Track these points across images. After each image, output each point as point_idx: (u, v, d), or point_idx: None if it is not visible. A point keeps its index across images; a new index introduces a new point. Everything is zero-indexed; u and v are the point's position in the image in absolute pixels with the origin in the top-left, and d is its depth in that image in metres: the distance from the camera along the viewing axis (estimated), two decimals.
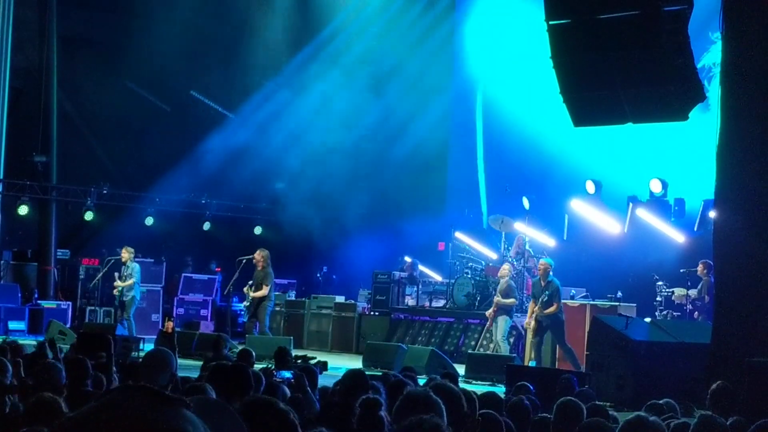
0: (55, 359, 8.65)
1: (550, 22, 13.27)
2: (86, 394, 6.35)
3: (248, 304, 20.00)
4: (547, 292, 17.80)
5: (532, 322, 18.00)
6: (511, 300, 19.10)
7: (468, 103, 26.44)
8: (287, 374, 9.21)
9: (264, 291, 19.65)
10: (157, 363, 6.14)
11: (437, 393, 4.60)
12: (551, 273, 18.08)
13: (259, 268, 19.87)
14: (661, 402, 8.53)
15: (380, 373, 10.34)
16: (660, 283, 19.79)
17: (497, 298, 18.92)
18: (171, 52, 26.40)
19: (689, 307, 18.94)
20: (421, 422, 3.23)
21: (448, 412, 4.53)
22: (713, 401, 8.96)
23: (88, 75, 26.69)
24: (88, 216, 25.75)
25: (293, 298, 24.80)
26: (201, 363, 12.28)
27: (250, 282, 19.98)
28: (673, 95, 12.62)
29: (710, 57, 19.23)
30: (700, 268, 18.79)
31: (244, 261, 20.56)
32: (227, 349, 14.98)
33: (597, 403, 8.18)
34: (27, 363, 8.12)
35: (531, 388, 10.36)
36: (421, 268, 24.26)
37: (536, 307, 17.94)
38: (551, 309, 17.79)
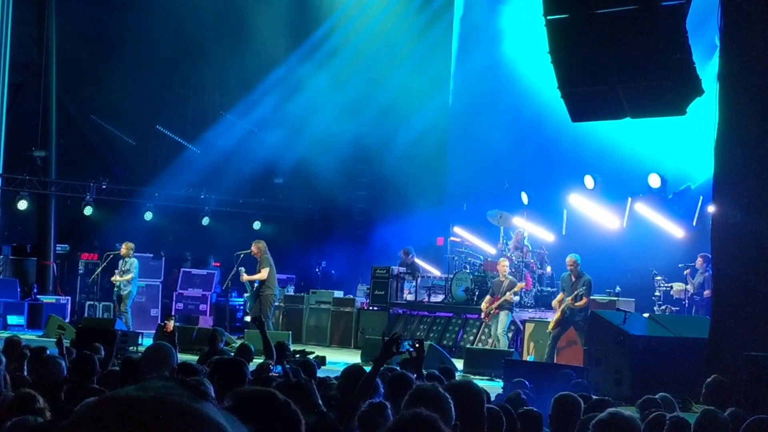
0: (60, 355, 8.67)
1: (549, 17, 13.28)
2: (91, 391, 6.36)
3: (249, 294, 20.00)
4: (582, 289, 17.67)
5: (558, 315, 17.87)
6: (516, 296, 19.12)
7: (467, 97, 26.43)
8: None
9: (262, 274, 19.61)
10: (158, 358, 6.15)
11: (454, 390, 4.60)
12: (580, 267, 17.96)
13: (258, 259, 19.88)
14: (656, 396, 8.54)
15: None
16: (659, 278, 19.81)
17: (509, 294, 18.77)
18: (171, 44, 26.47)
19: (687, 302, 18.97)
20: (418, 415, 3.24)
21: (462, 408, 4.53)
22: (708, 395, 8.98)
23: (86, 70, 26.68)
24: (88, 211, 25.74)
25: (292, 293, 24.81)
26: (197, 357, 12.34)
27: (242, 269, 19.95)
28: (671, 90, 12.64)
29: None
30: (698, 261, 18.81)
31: (242, 255, 20.56)
32: (224, 343, 15.01)
33: (595, 396, 8.19)
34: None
35: (527, 383, 10.39)
36: (417, 261, 24.24)
37: (568, 299, 17.76)
38: (581, 303, 17.69)
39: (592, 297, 18.83)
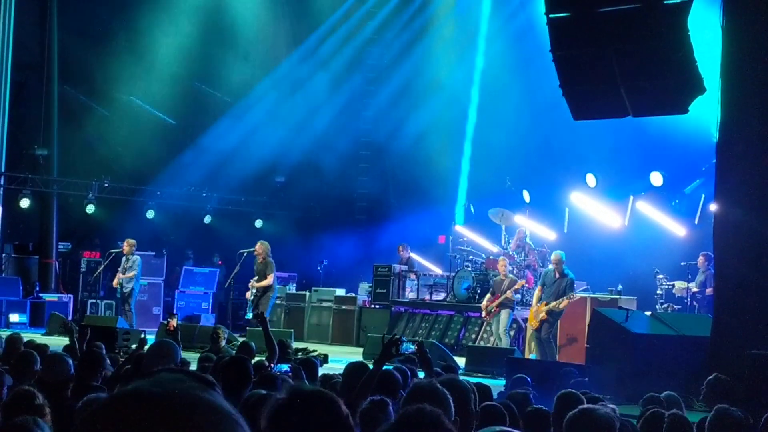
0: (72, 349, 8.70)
1: (550, 16, 13.29)
2: (95, 389, 6.39)
3: (252, 297, 19.99)
4: (570, 294, 17.65)
5: (542, 315, 17.75)
6: (517, 294, 19.13)
7: (469, 95, 26.42)
8: (285, 367, 9.25)
9: (269, 280, 19.66)
10: (162, 354, 6.20)
11: (446, 387, 4.61)
12: (565, 265, 17.94)
13: (260, 261, 19.87)
14: (662, 395, 8.54)
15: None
16: (661, 276, 19.80)
17: (509, 293, 18.78)
18: (174, 42, 26.48)
19: (689, 300, 18.98)
20: (422, 411, 3.24)
21: (456, 405, 4.54)
22: (709, 393, 8.99)
23: (90, 67, 26.68)
24: (90, 209, 25.78)
25: (294, 291, 24.83)
26: (199, 355, 12.37)
27: (256, 278, 19.94)
28: (673, 88, 12.65)
29: None
30: (700, 260, 18.81)
31: (245, 254, 20.58)
32: (226, 341, 15.03)
33: (589, 392, 8.21)
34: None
35: (528, 380, 10.39)
36: (413, 255, 24.24)
37: (552, 303, 17.67)
38: (565, 303, 17.66)
39: (593, 295, 18.85)
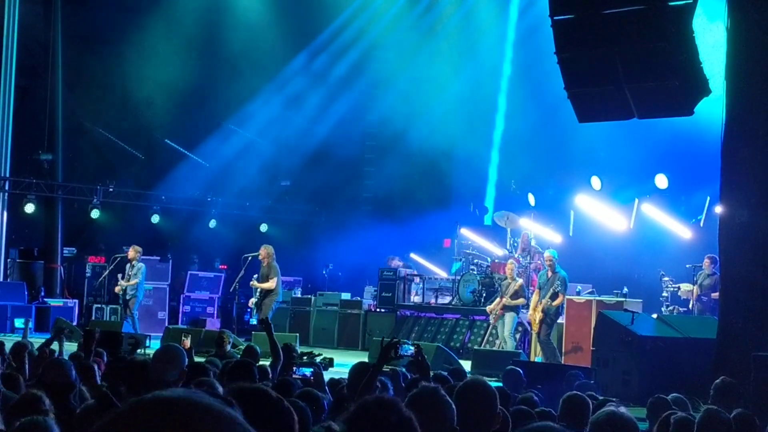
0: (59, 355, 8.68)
1: (555, 18, 13.27)
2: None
3: (256, 300, 19.98)
4: (557, 284, 17.86)
5: (539, 315, 17.99)
6: (521, 300, 19.08)
7: (474, 98, 26.38)
8: (307, 371, 9.24)
9: (271, 284, 19.65)
10: (168, 359, 6.19)
11: (473, 391, 4.59)
12: (558, 264, 18.15)
13: (264, 264, 19.87)
14: (669, 397, 8.51)
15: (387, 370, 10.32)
16: (666, 278, 19.76)
17: (506, 299, 18.81)
18: (173, 51, 26.46)
19: (695, 303, 18.92)
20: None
21: (480, 410, 4.50)
22: (716, 396, 8.95)
23: (93, 73, 26.70)
24: (95, 214, 25.78)
25: (299, 296, 24.80)
26: (204, 359, 12.35)
27: (256, 276, 19.96)
28: (678, 90, 12.62)
29: None
30: (706, 262, 18.76)
31: (249, 258, 20.56)
32: (230, 345, 15.00)
33: (594, 394, 8.19)
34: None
35: (521, 372, 10.41)
36: (420, 260, 24.20)
37: (543, 300, 17.94)
38: (559, 300, 17.86)
39: (599, 298, 18.83)
